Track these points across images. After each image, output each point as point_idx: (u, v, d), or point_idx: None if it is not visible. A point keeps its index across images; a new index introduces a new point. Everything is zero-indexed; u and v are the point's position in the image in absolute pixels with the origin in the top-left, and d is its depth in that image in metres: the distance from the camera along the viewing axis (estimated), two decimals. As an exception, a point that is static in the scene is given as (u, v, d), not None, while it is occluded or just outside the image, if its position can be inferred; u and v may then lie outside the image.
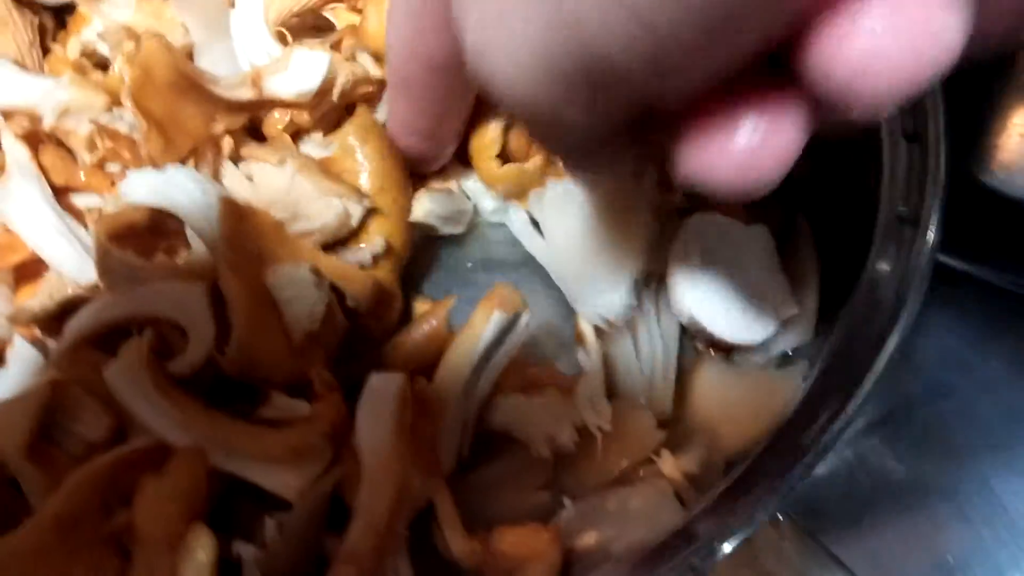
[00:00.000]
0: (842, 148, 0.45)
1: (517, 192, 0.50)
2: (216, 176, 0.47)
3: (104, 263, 0.42)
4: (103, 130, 0.46)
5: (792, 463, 0.31)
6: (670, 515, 0.38)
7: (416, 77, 0.40)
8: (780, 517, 0.31)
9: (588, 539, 0.37)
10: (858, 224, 0.41)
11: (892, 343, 0.35)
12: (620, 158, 0.32)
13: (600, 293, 0.42)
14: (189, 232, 0.45)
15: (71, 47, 0.56)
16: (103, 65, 0.55)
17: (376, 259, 0.46)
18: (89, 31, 0.56)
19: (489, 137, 0.47)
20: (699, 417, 0.43)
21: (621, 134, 0.29)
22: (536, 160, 0.48)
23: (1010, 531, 0.51)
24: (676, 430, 0.43)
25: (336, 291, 0.43)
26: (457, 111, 0.44)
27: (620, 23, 0.22)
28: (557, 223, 0.45)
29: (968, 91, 0.45)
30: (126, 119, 0.47)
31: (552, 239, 0.46)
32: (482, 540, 0.38)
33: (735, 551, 0.28)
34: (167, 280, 0.41)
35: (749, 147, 0.23)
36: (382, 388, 0.37)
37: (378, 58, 0.49)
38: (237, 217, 0.42)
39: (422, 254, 0.51)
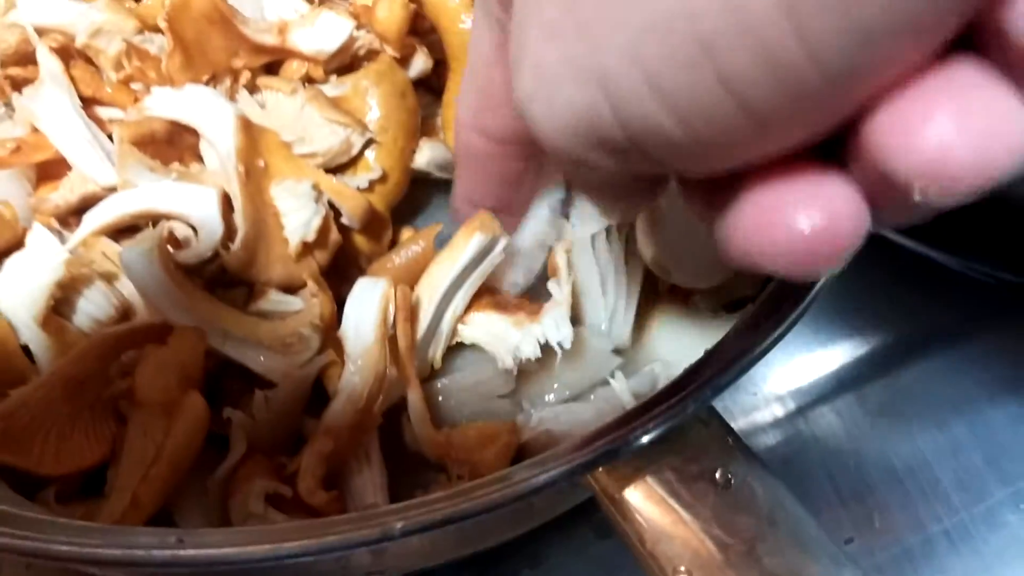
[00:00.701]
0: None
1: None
2: (232, 99, 0.51)
3: (125, 163, 0.46)
4: (134, 49, 0.50)
5: (717, 374, 0.35)
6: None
7: (481, 150, 0.40)
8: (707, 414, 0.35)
9: (542, 436, 0.41)
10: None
11: (814, 292, 0.39)
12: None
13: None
14: (202, 146, 0.49)
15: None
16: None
17: (372, 185, 0.50)
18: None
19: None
20: (653, 350, 0.47)
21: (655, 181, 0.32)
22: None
23: (934, 489, 0.56)
24: (632, 359, 0.47)
25: (333, 210, 0.48)
26: (521, 185, 0.43)
27: (654, 114, 0.22)
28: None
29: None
30: (156, 42, 0.52)
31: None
32: (446, 435, 0.42)
33: (666, 437, 0.33)
34: (181, 182, 0.45)
35: (813, 231, 0.22)
36: (369, 288, 0.41)
37: (383, 40, 0.53)
38: (249, 133, 0.46)
39: (413, 195, 0.55)
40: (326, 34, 0.52)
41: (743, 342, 0.38)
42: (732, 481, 0.32)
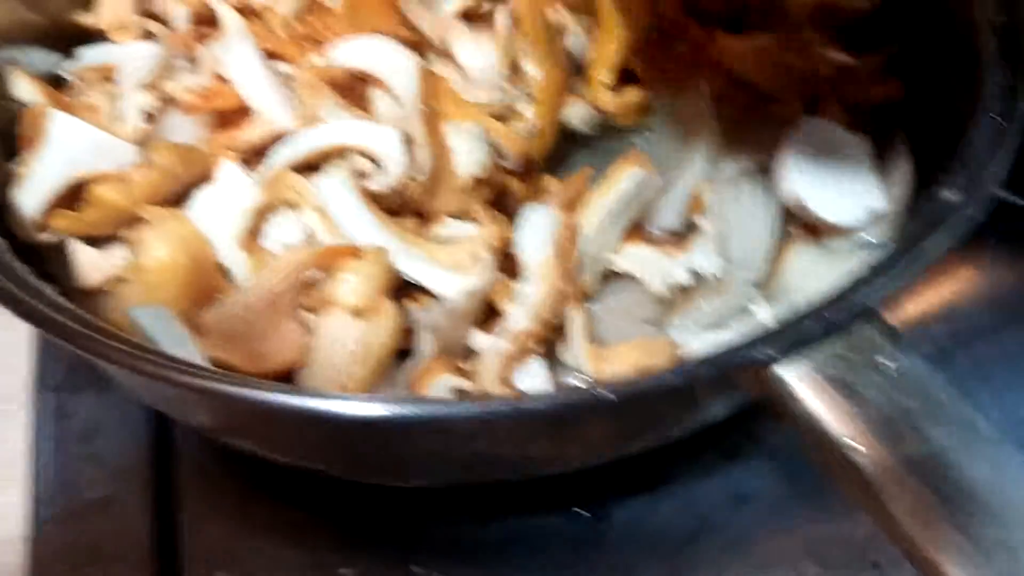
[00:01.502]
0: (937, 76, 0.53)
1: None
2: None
3: (317, 101, 0.52)
4: (319, 6, 0.56)
5: (872, 287, 0.39)
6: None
7: None
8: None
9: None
10: (943, 146, 0.49)
11: (943, 247, 0.42)
12: None
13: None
14: (376, 94, 0.54)
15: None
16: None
17: (529, 134, 0.54)
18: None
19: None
20: (787, 282, 0.51)
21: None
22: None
23: None
24: (768, 291, 0.51)
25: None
26: None
27: None
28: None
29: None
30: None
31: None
32: (601, 352, 0.47)
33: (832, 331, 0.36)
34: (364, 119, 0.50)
35: None
36: (540, 212, 0.46)
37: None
38: (429, 80, 0.51)
39: (556, 147, 0.59)
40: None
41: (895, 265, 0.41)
42: (897, 370, 0.35)
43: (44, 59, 0.62)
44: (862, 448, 0.34)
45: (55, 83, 0.61)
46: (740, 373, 0.36)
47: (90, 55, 0.62)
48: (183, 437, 0.56)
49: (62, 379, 0.56)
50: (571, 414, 0.35)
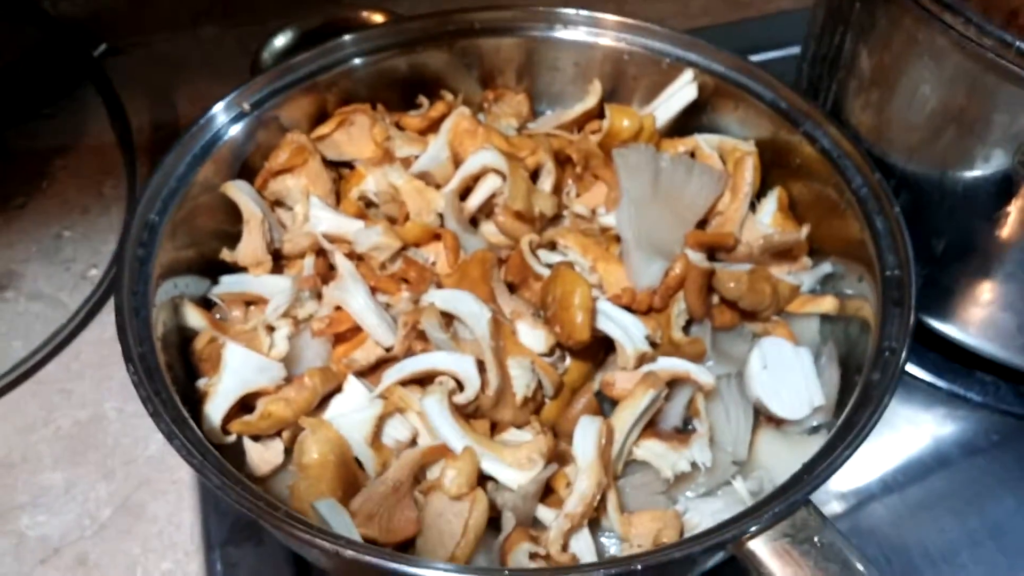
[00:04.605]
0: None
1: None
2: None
3: (409, 337, 0.73)
4: (408, 260, 0.78)
5: (805, 485, 0.59)
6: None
7: None
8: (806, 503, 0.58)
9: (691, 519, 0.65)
10: (861, 353, 0.70)
11: (875, 422, 0.62)
12: None
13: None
14: (459, 327, 0.75)
15: (353, 193, 0.88)
16: (369, 203, 0.86)
17: (566, 371, 0.75)
18: (367, 184, 0.88)
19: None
20: (758, 460, 0.71)
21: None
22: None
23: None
24: (745, 468, 0.71)
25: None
26: None
27: None
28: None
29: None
30: (420, 255, 0.79)
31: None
32: (628, 518, 0.66)
33: (782, 517, 0.56)
34: (452, 350, 0.71)
35: None
36: (590, 423, 0.66)
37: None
38: (496, 325, 0.72)
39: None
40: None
41: (827, 456, 0.61)
42: (822, 544, 0.55)
43: (197, 286, 0.83)
44: (801, 598, 0.53)
45: (205, 305, 0.82)
46: (722, 546, 0.56)
47: (230, 282, 0.83)
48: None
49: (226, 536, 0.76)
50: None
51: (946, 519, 0.81)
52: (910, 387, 0.87)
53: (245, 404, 0.73)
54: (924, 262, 0.74)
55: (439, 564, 0.57)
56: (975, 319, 0.81)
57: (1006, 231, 0.74)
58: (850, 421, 0.64)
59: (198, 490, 0.81)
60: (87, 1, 1.17)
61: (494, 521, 0.66)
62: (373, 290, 0.79)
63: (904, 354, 0.65)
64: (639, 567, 0.53)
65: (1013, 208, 0.72)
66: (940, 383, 0.88)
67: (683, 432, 0.71)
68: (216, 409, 0.71)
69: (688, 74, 0.88)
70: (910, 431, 0.86)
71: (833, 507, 0.83)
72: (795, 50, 0.99)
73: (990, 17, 0.63)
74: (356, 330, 0.78)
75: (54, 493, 0.82)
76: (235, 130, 0.84)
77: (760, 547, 0.56)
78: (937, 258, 0.78)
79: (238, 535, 0.76)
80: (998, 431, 0.85)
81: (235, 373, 0.73)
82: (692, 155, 0.88)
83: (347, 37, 0.89)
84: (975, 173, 0.73)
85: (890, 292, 0.69)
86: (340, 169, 0.93)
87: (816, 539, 0.55)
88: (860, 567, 0.54)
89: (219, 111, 0.83)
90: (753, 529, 0.55)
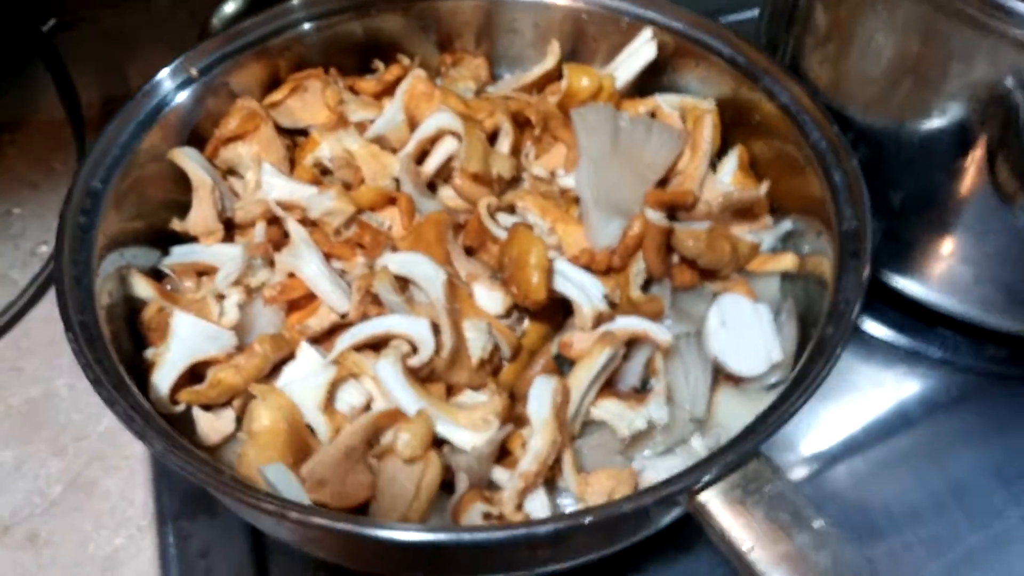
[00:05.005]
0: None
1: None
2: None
3: (363, 302, 0.71)
4: (362, 224, 0.76)
5: (757, 435, 0.58)
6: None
7: None
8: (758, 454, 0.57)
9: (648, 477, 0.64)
10: (820, 309, 0.69)
11: (826, 373, 0.61)
12: None
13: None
14: (414, 291, 0.73)
15: (307, 160, 0.86)
16: (324, 170, 0.84)
17: (524, 333, 0.74)
18: (322, 150, 0.86)
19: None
20: (715, 418, 0.70)
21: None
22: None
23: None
24: (703, 426, 0.70)
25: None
26: None
27: None
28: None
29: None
30: (375, 219, 0.77)
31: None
32: (585, 478, 0.65)
33: (733, 469, 0.55)
34: (406, 313, 0.70)
35: None
36: (545, 381, 0.65)
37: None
38: (451, 288, 0.70)
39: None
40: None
41: (779, 407, 0.60)
42: (774, 494, 0.54)
43: (147, 256, 0.81)
44: (750, 546, 0.53)
45: (155, 275, 0.80)
46: (673, 499, 0.55)
47: (181, 252, 0.81)
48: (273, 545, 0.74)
49: (179, 509, 0.75)
50: (563, 532, 0.53)
51: (908, 479, 0.80)
52: (871, 346, 0.86)
53: (196, 374, 0.71)
54: (882, 216, 0.73)
55: (389, 524, 0.56)
56: (934, 273, 0.80)
57: (963, 183, 0.73)
58: (803, 374, 0.63)
59: (151, 465, 0.79)
60: (35, -26, 1.14)
61: (450, 485, 0.65)
62: (328, 256, 0.78)
63: (859, 305, 0.65)
64: (587, 521, 0.52)
65: (970, 160, 0.71)
66: (900, 341, 0.87)
67: (642, 392, 0.70)
68: (164, 378, 0.69)
69: (647, 32, 0.87)
70: (871, 390, 0.85)
71: (797, 472, 0.82)
72: (755, 13, 0.98)
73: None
74: (310, 297, 0.76)
75: (4, 470, 0.80)
76: (182, 96, 0.82)
77: (712, 499, 0.55)
78: (896, 211, 0.78)
79: (191, 508, 0.74)
80: (958, 387, 0.85)
81: (184, 342, 0.71)
82: (653, 115, 0.87)
83: (298, 0, 0.87)
84: (932, 125, 0.72)
85: (847, 245, 0.69)
86: (295, 137, 0.91)
87: (767, 489, 0.55)
88: (811, 515, 0.54)
89: (165, 77, 0.81)
90: (705, 479, 0.54)
